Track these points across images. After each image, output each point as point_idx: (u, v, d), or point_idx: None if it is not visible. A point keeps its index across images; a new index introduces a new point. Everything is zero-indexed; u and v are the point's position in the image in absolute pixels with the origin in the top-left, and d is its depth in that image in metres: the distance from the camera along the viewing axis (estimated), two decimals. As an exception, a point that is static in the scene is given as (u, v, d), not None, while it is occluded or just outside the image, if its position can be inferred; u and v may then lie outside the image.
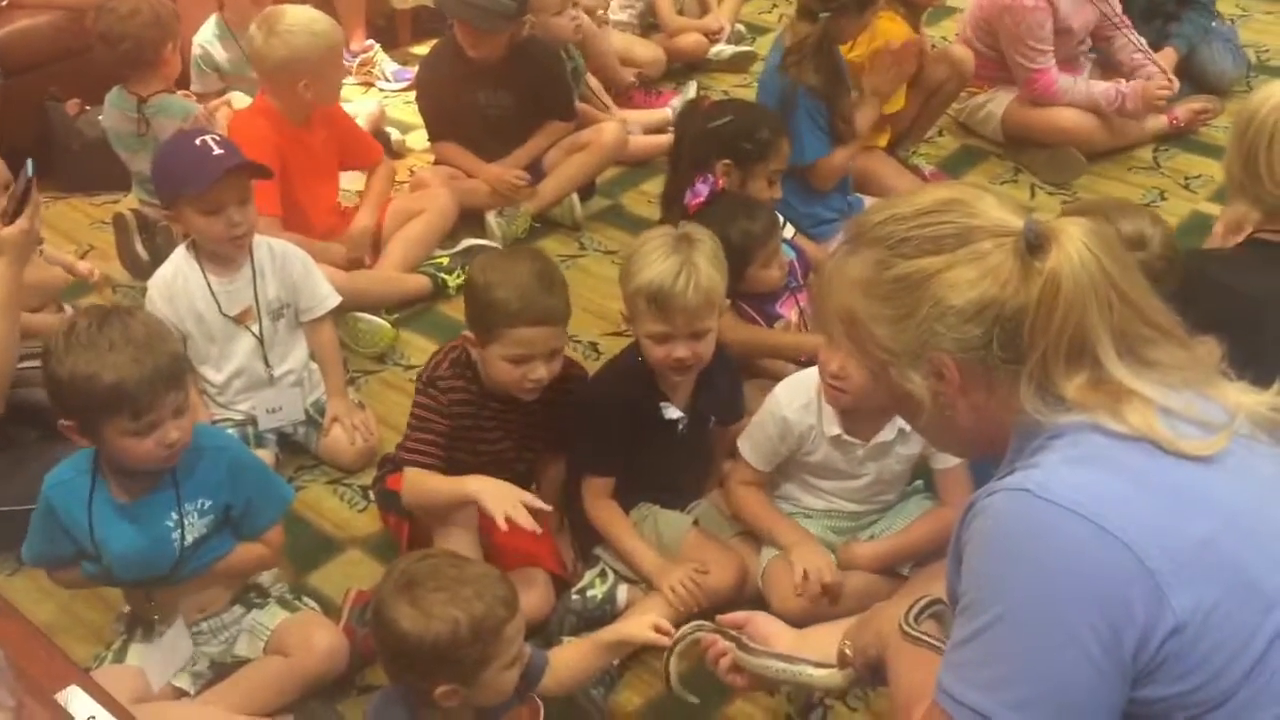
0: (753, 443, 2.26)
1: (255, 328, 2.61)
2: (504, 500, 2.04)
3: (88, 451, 1.96)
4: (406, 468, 2.22)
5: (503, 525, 2.02)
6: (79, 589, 2.17)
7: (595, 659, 1.86)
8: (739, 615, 1.76)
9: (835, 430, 2.17)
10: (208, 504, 2.01)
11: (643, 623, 1.81)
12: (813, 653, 1.63)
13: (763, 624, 1.73)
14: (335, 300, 2.71)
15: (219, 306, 2.57)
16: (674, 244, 2.15)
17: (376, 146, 3.40)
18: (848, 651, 1.53)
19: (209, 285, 2.57)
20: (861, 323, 1.29)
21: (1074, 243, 1.20)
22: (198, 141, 2.52)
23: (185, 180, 2.48)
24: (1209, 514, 1.14)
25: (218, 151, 2.49)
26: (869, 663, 1.48)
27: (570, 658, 1.87)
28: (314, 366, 2.74)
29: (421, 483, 2.19)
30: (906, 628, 1.39)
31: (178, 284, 2.57)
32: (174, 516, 1.97)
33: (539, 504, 2.07)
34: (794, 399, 2.19)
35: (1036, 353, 1.20)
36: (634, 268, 2.16)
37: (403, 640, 1.55)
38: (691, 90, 4.13)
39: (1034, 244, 1.21)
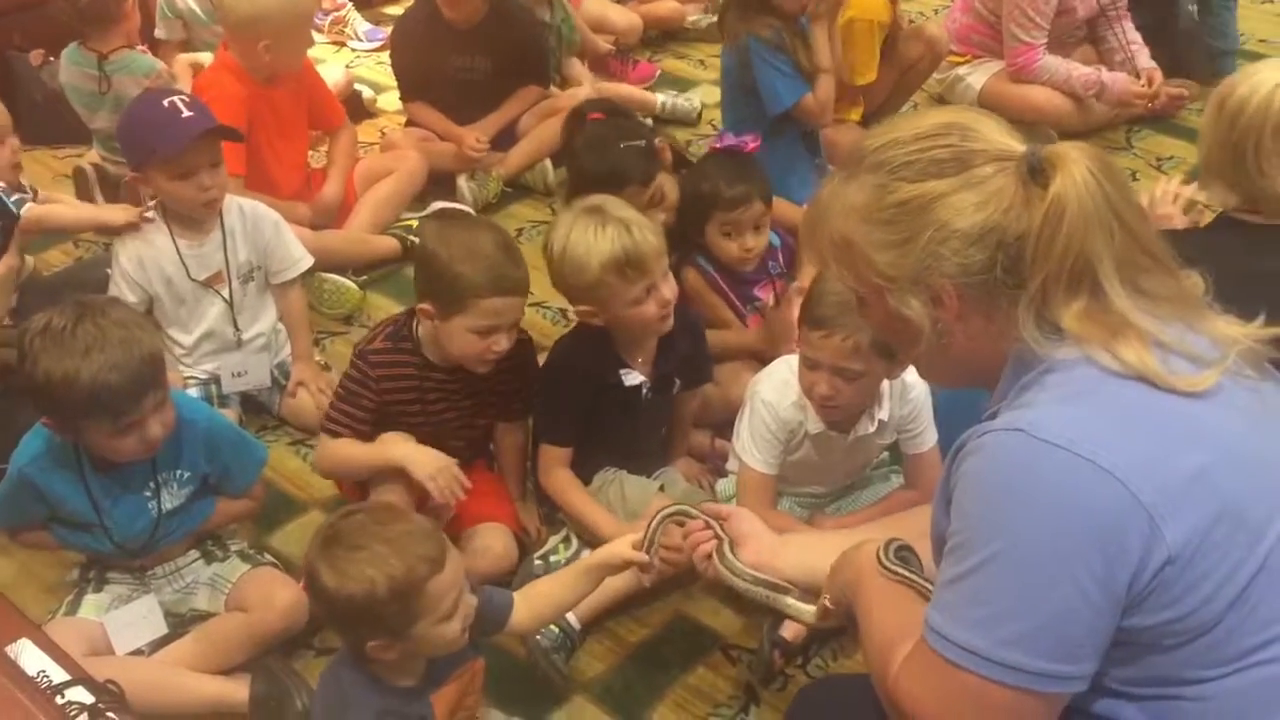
0: (756, 444, 2.16)
1: (225, 291, 2.57)
2: (429, 466, 2.06)
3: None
4: (322, 440, 2.22)
5: (435, 493, 2.04)
6: (43, 550, 2.14)
7: (575, 587, 1.82)
8: (723, 508, 1.74)
9: (819, 427, 2.15)
10: (186, 474, 2.01)
11: (621, 543, 1.77)
12: (788, 565, 1.63)
13: (745, 522, 1.70)
14: (307, 263, 2.67)
15: (187, 271, 2.53)
16: (595, 219, 2.12)
17: (340, 110, 3.34)
18: (829, 604, 1.52)
19: (177, 249, 2.52)
20: (859, 249, 1.27)
21: (1078, 167, 1.19)
22: (165, 103, 2.45)
23: (155, 144, 2.42)
24: (1200, 447, 1.15)
25: (187, 114, 2.42)
26: (848, 609, 1.47)
27: (549, 589, 1.84)
28: (281, 329, 2.71)
29: (338, 451, 2.19)
30: (886, 565, 1.39)
31: (145, 248, 2.52)
32: (150, 486, 1.97)
33: (462, 476, 2.09)
34: (782, 398, 2.15)
35: (1039, 278, 1.19)
36: (578, 262, 2.11)
37: (324, 598, 1.56)
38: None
39: (1036, 168, 1.21)
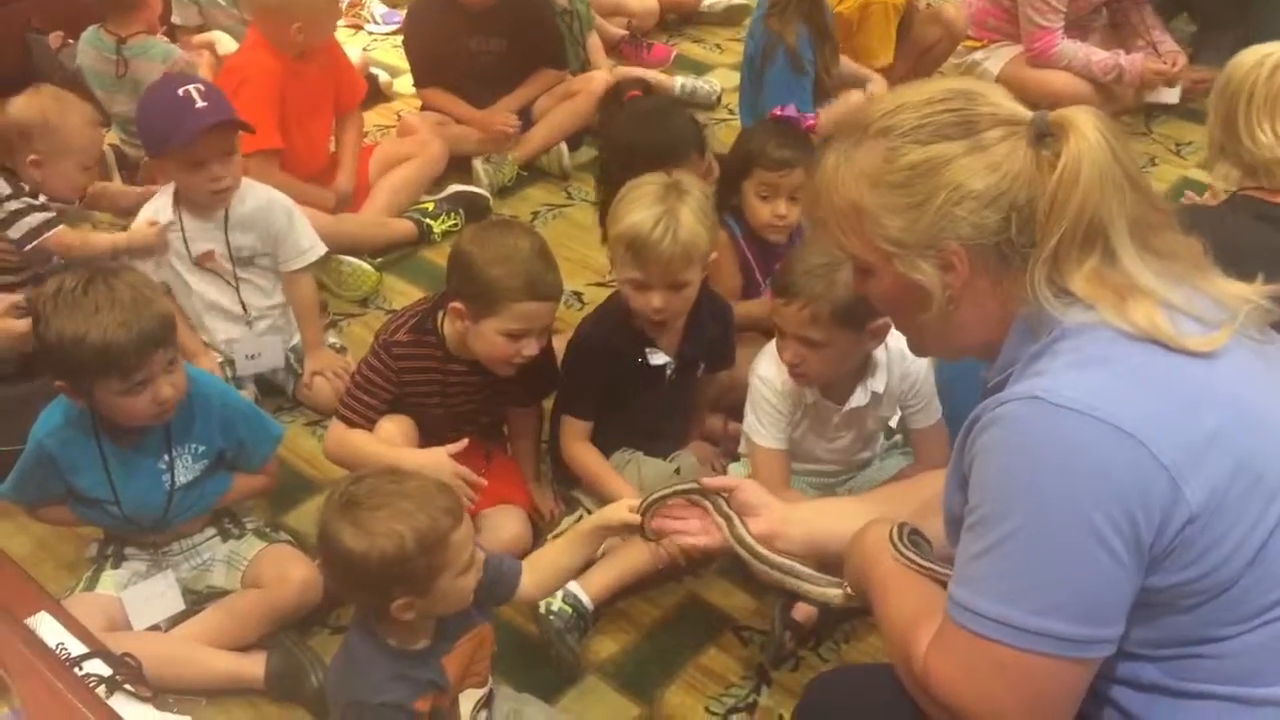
0: (761, 421, 2.18)
1: (218, 268, 2.57)
2: (441, 476, 1.99)
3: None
4: (334, 425, 2.22)
5: None
6: (63, 526, 2.17)
7: (577, 551, 1.82)
8: (730, 479, 1.72)
9: (815, 396, 2.16)
10: (201, 449, 2.03)
11: (619, 507, 1.76)
12: (799, 534, 1.60)
13: (752, 493, 1.66)
14: (318, 253, 2.66)
15: (187, 246, 2.55)
16: (662, 193, 2.12)
17: (362, 86, 3.35)
18: (850, 591, 1.51)
19: (181, 224, 2.54)
20: (869, 215, 1.26)
21: (1089, 128, 1.20)
22: (180, 92, 2.45)
23: (168, 133, 2.43)
24: (1215, 407, 1.15)
25: (201, 104, 2.42)
26: (862, 593, 1.46)
27: (551, 556, 1.85)
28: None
29: (348, 443, 2.19)
30: (901, 551, 1.37)
31: (159, 220, 2.54)
32: (165, 459, 1.99)
33: (475, 478, 2.08)
34: (780, 371, 2.15)
35: (1053, 238, 1.19)
36: (619, 212, 2.14)
37: (350, 561, 1.55)
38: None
39: (1044, 132, 1.22)
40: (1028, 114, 1.24)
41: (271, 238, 2.59)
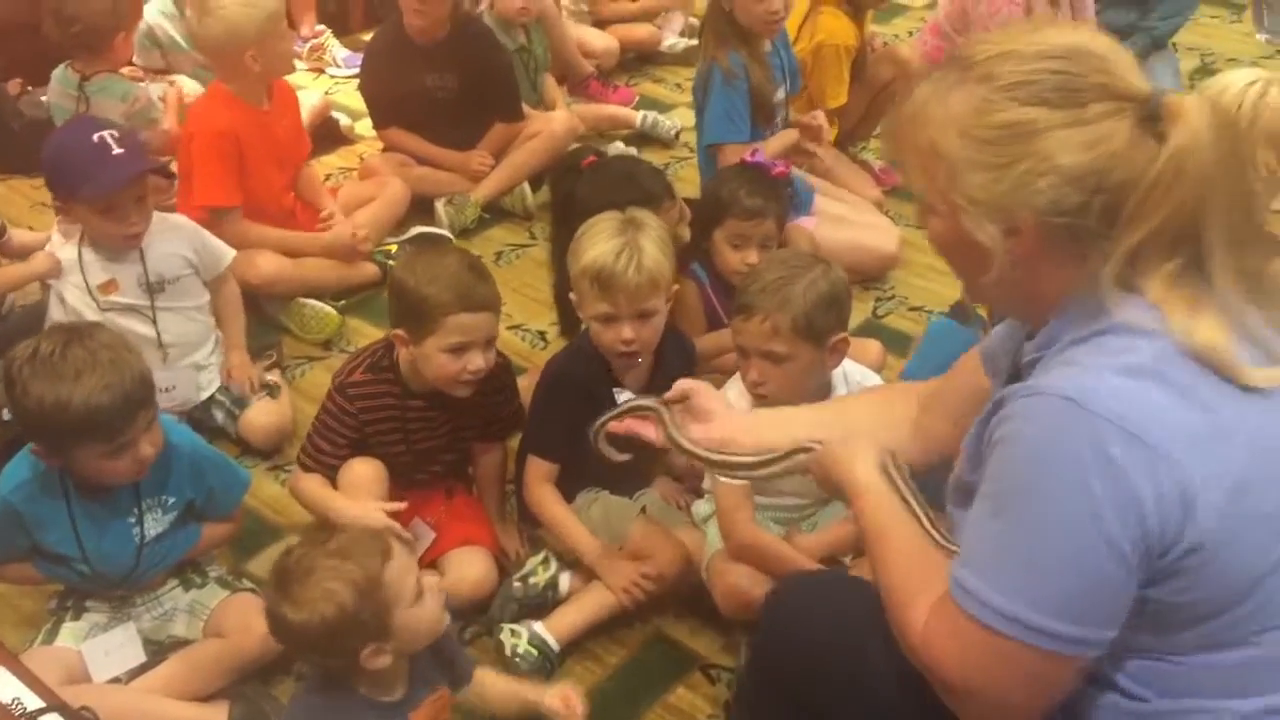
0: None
1: (120, 298, 2.53)
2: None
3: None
4: (297, 474, 2.24)
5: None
6: (25, 585, 2.13)
7: (512, 703, 1.89)
8: (683, 384, 1.65)
9: None
10: (171, 500, 2.01)
11: (556, 694, 1.87)
12: (750, 441, 1.58)
13: (707, 399, 1.62)
14: (232, 251, 2.68)
15: (85, 279, 2.51)
16: (621, 226, 2.16)
17: (307, 145, 3.30)
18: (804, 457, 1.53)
19: (81, 260, 2.50)
20: (948, 164, 1.20)
21: (1200, 121, 1.12)
22: (95, 138, 2.40)
23: (82, 180, 2.40)
24: (1248, 443, 1.13)
25: (118, 151, 2.39)
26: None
27: (497, 685, 1.90)
28: (218, 355, 2.69)
29: (307, 491, 2.22)
30: (898, 485, 1.38)
31: (61, 252, 2.54)
32: (135, 512, 1.97)
33: (406, 535, 2.08)
34: (742, 399, 2.16)
35: (1139, 232, 1.14)
36: (580, 248, 2.16)
37: (301, 632, 1.57)
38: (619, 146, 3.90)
39: (1155, 114, 1.15)
40: (1144, 90, 1.16)
41: (194, 251, 2.60)
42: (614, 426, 1.67)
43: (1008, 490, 1.17)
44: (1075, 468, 1.12)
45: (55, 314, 2.53)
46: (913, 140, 1.24)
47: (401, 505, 2.14)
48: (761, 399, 2.12)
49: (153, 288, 2.55)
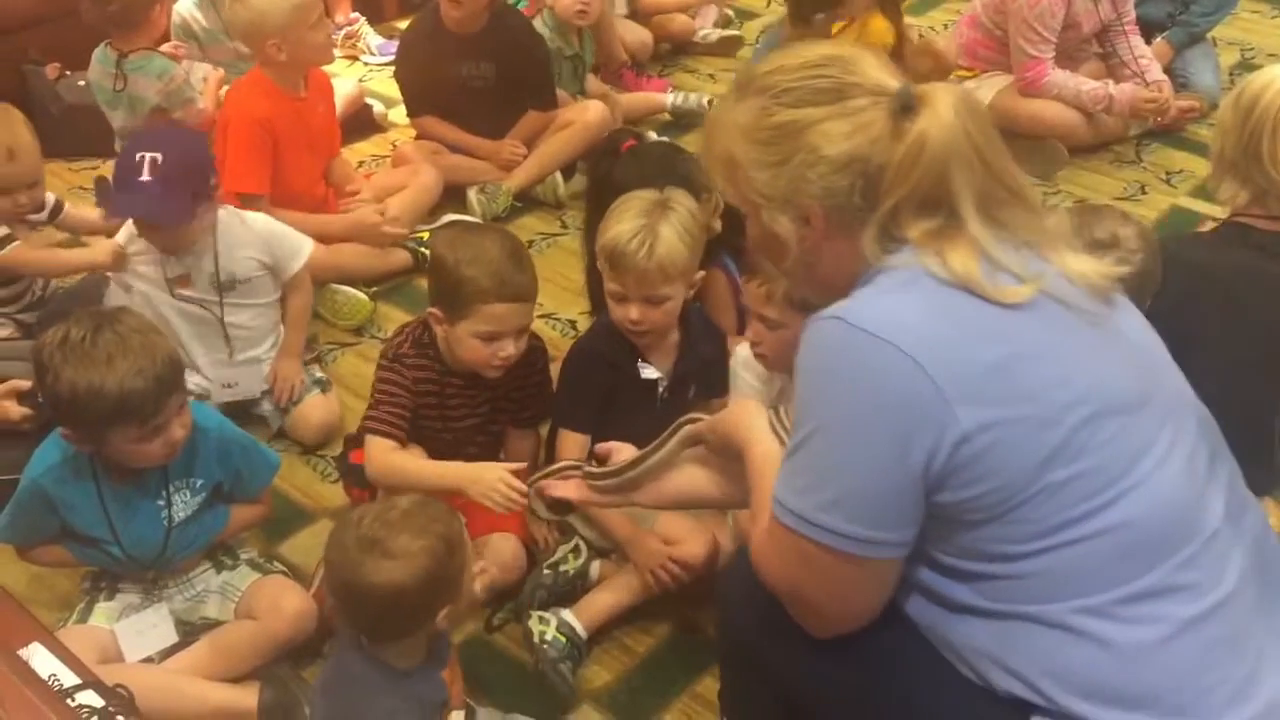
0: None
1: (192, 292, 2.56)
2: (493, 490, 2.00)
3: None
4: (372, 442, 2.20)
5: (495, 507, 2.01)
6: (59, 567, 2.15)
7: None
8: (609, 445, 1.78)
9: (780, 383, 2.19)
10: (199, 483, 2.02)
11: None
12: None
13: (624, 453, 1.74)
14: (310, 244, 2.69)
15: (163, 271, 2.54)
16: (648, 207, 2.15)
17: (339, 136, 3.33)
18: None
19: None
20: (741, 167, 1.37)
21: (944, 106, 1.29)
22: (138, 156, 2.39)
23: (110, 194, 2.47)
24: (1001, 343, 1.25)
25: (144, 177, 2.37)
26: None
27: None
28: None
29: (395, 463, 2.15)
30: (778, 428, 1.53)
31: (131, 246, 2.57)
32: (163, 494, 1.98)
33: (517, 482, 2.00)
34: (759, 369, 2.21)
35: (891, 200, 1.30)
36: (608, 223, 2.17)
37: (399, 592, 1.56)
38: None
39: (907, 105, 1.30)
40: (894, 85, 1.32)
41: (267, 253, 2.61)
42: (538, 486, 1.80)
43: (799, 406, 1.32)
44: (842, 377, 1.27)
45: (118, 302, 2.53)
46: (713, 153, 1.42)
47: (522, 465, 2.10)
48: (762, 358, 2.16)
49: (223, 285, 2.57)
